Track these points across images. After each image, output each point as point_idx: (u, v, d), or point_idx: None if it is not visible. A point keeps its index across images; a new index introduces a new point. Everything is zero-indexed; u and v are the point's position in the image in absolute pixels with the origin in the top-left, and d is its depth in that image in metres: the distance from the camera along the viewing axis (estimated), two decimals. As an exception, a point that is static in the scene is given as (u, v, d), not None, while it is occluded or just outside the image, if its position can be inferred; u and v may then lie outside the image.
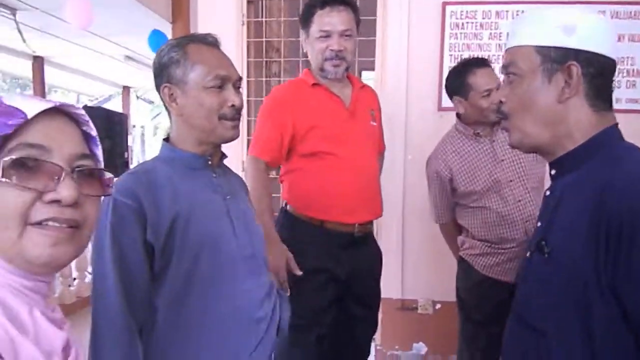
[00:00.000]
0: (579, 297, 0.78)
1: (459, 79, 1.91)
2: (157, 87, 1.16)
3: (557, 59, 0.85)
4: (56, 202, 0.59)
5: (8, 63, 7.00)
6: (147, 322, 1.10)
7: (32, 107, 0.60)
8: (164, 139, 1.21)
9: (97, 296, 1.05)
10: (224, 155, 1.27)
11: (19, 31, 4.93)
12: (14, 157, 0.57)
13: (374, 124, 1.88)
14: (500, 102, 0.94)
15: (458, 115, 2.01)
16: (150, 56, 6.76)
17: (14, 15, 4.78)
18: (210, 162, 1.19)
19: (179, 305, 1.09)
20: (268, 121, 1.75)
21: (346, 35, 1.71)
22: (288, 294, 1.64)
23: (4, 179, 0.56)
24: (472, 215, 1.99)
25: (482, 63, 1.92)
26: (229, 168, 1.31)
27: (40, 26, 5.20)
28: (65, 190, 0.59)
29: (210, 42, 1.17)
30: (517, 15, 2.73)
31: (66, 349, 0.63)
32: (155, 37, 4.60)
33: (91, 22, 3.60)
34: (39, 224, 0.59)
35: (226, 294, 1.12)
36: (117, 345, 1.02)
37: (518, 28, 0.92)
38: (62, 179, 0.60)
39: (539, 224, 0.92)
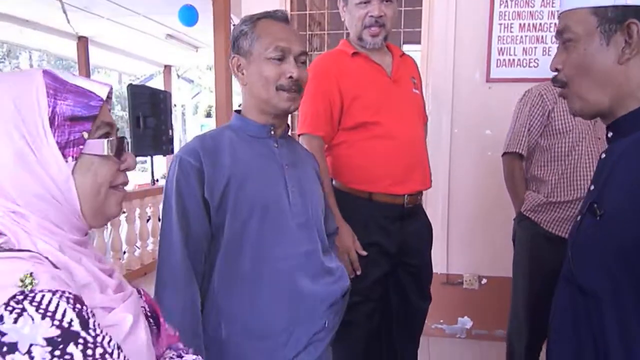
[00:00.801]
0: (631, 259, 0.75)
1: None
2: (231, 59, 1.24)
3: (615, 18, 0.80)
4: (126, 169, 0.74)
5: (53, 44, 7.22)
6: (205, 275, 1.17)
7: (97, 89, 0.70)
8: (235, 110, 1.29)
9: (162, 242, 1.15)
10: (288, 127, 1.31)
11: (64, 11, 5.06)
12: (113, 138, 0.70)
13: (417, 92, 1.83)
14: (557, 69, 0.90)
15: None
16: (190, 34, 6.84)
17: (60, -5, 4.90)
18: (272, 132, 1.24)
19: (232, 263, 1.16)
20: (316, 95, 1.68)
21: (387, 1, 1.66)
22: (359, 272, 1.67)
23: (108, 153, 0.69)
24: (554, 160, 1.93)
25: None
26: (296, 141, 1.36)
27: (85, 6, 5.31)
28: (132, 160, 0.75)
29: (278, 16, 1.22)
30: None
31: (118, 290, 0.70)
32: (186, 11, 4.63)
33: None
34: (116, 187, 0.73)
35: (274, 256, 1.17)
36: (177, 290, 1.11)
37: None
38: (128, 151, 0.75)
39: (592, 187, 0.89)
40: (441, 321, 2.88)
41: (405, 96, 1.76)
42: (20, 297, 0.53)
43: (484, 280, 2.82)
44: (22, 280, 0.54)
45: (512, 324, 2.11)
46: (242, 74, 1.21)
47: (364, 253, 1.65)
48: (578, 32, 0.84)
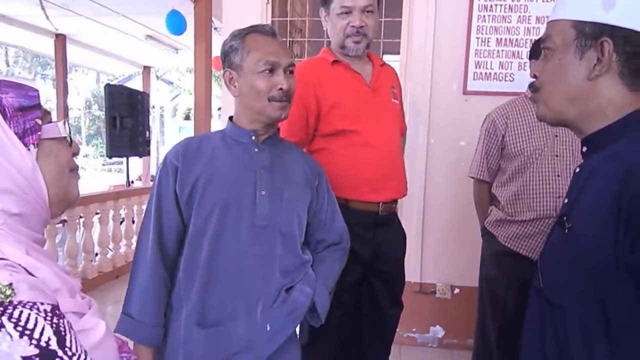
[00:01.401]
0: (596, 274, 0.77)
1: (534, 44, 1.99)
2: (223, 73, 1.33)
3: (591, 34, 0.82)
4: (75, 154, 0.78)
5: (30, 41, 7.08)
6: (176, 261, 1.29)
7: (28, 82, 0.72)
8: (229, 117, 1.37)
9: (141, 228, 1.28)
10: (277, 132, 1.39)
11: (43, 8, 4.97)
12: (64, 120, 0.74)
13: (396, 101, 1.85)
14: (535, 76, 0.93)
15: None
16: (170, 36, 6.77)
17: (38, -8, 4.82)
18: (254, 137, 1.31)
19: (193, 254, 1.26)
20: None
21: (368, 11, 1.67)
22: None
23: (65, 135, 0.73)
24: (509, 181, 2.02)
25: None
26: (289, 147, 1.42)
27: (63, 3, 5.22)
28: (77, 144, 0.79)
29: (266, 31, 1.29)
30: (547, -3, 2.67)
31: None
32: (173, 17, 4.60)
33: None
34: (72, 171, 0.76)
35: (227, 254, 1.24)
36: (145, 268, 1.25)
37: (559, 1, 0.89)
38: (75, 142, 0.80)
39: (565, 200, 0.91)
40: (413, 330, 2.90)
41: (383, 105, 1.78)
42: None
43: (457, 290, 2.86)
44: (1, 291, 0.54)
45: (477, 340, 2.17)
46: (235, 86, 1.29)
47: None
48: (557, 43, 0.86)
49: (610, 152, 0.83)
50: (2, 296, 0.53)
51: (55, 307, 0.57)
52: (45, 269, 0.64)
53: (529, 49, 2.15)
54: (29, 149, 0.66)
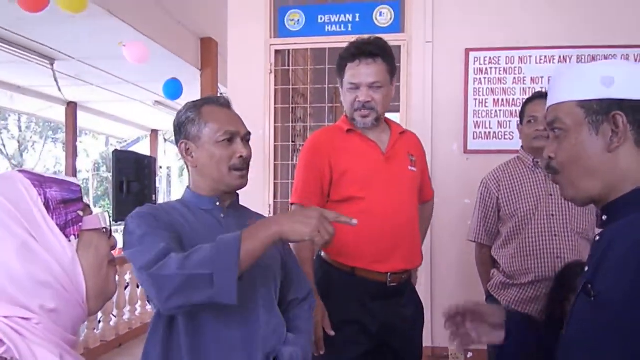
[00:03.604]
0: (624, 344, 0.75)
1: (522, 107, 2.04)
2: (177, 143, 1.32)
3: (600, 110, 0.85)
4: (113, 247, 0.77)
5: (42, 108, 7.32)
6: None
7: (71, 179, 0.74)
8: (187, 187, 1.35)
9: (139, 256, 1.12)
10: (237, 198, 1.38)
11: (56, 80, 5.18)
12: (104, 212, 0.75)
13: (413, 169, 1.82)
14: (550, 157, 0.95)
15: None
16: (178, 101, 7.01)
17: (52, 65, 5.04)
18: (218, 204, 1.30)
19: (171, 338, 1.20)
20: (307, 167, 1.74)
21: (374, 87, 1.70)
22: (322, 352, 1.61)
23: (104, 226, 0.74)
24: (506, 243, 2.01)
25: (541, 95, 1.99)
26: (245, 209, 1.41)
27: (76, 74, 5.46)
28: (115, 238, 0.78)
29: (222, 103, 1.32)
30: (540, 60, 2.76)
31: None
32: (170, 84, 4.79)
33: (147, 57, 3.90)
34: (110, 263, 0.75)
35: (213, 327, 1.19)
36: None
37: (557, 85, 0.92)
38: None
39: (586, 268, 0.90)
40: (427, 397, 2.78)
41: (397, 173, 1.76)
42: None
43: (470, 354, 2.76)
44: None
45: None
46: (192, 157, 1.28)
47: (332, 333, 1.60)
48: (568, 123, 0.89)
49: (631, 219, 0.83)
50: None
51: None
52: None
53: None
54: (69, 240, 0.67)
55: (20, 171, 0.69)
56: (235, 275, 1.02)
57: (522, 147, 2.07)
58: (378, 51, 1.69)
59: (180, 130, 1.28)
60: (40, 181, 0.68)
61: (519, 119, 2.07)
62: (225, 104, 1.33)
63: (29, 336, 0.61)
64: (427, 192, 1.97)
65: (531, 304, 1.90)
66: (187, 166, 1.32)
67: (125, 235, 1.16)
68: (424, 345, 2.66)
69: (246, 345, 1.21)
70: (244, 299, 1.17)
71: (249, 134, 1.32)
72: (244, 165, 1.28)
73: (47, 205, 0.67)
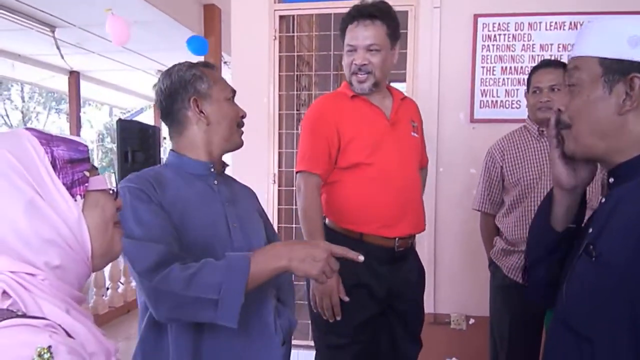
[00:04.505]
0: (627, 303, 0.76)
1: (529, 76, 2.01)
2: (178, 101, 1.23)
3: (619, 70, 0.83)
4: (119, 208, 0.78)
5: (45, 77, 7.27)
6: None
7: (79, 139, 0.74)
8: (171, 149, 1.29)
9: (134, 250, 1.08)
10: (225, 165, 1.35)
11: (58, 47, 5.12)
12: (110, 173, 0.72)
13: (416, 135, 1.83)
14: (559, 110, 0.94)
15: None
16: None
17: (53, 32, 4.97)
18: (212, 170, 1.27)
19: None
20: (313, 134, 1.73)
21: (372, 50, 1.67)
22: (339, 318, 1.64)
23: (110, 187, 0.75)
24: (509, 212, 2.03)
25: (547, 64, 1.97)
26: (231, 178, 1.40)
27: (77, 42, 5.38)
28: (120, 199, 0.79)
29: (211, 65, 1.34)
30: (550, 26, 2.70)
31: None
32: (195, 41, 4.66)
33: (128, 39, 3.78)
34: (115, 224, 0.76)
35: None
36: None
37: (583, 37, 0.90)
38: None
39: (590, 230, 0.90)
40: (429, 362, 2.83)
41: (402, 139, 1.77)
42: None
43: (472, 320, 2.80)
44: (39, 355, 0.53)
45: None
46: (203, 113, 1.23)
47: (346, 299, 1.62)
48: (583, 78, 0.87)
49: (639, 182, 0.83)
50: (39, 359, 0.52)
51: None
52: (83, 330, 0.63)
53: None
54: (75, 200, 0.67)
55: (27, 129, 0.68)
56: (240, 302, 1.01)
57: (528, 116, 2.06)
58: (377, 13, 1.66)
59: (187, 87, 1.22)
60: (47, 139, 0.68)
61: (526, 87, 2.05)
62: (213, 67, 1.35)
63: (35, 291, 0.62)
64: (424, 159, 1.99)
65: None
66: (178, 128, 1.25)
67: None
68: (426, 311, 2.70)
69: (258, 317, 1.21)
70: None
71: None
72: (242, 124, 1.32)
73: (53, 163, 0.67)
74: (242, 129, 1.31)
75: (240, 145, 1.31)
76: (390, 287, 1.71)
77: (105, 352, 0.66)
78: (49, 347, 0.53)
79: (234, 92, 1.29)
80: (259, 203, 1.44)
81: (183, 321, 1.09)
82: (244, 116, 1.30)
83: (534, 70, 1.98)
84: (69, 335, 0.59)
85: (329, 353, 1.74)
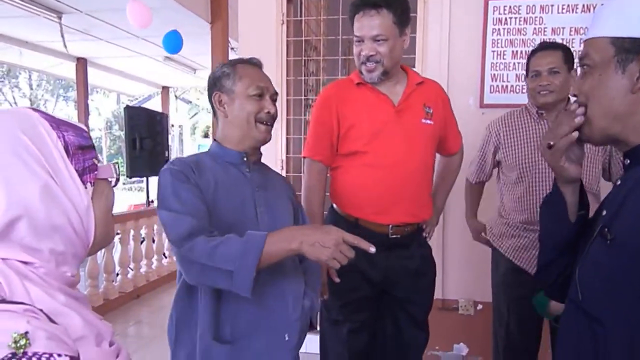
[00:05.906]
0: None
1: (527, 60, 1.99)
2: (210, 96, 1.41)
3: (631, 49, 0.82)
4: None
5: (52, 65, 7.29)
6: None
7: (80, 125, 0.74)
8: (214, 139, 1.44)
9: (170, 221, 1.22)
10: (261, 155, 1.46)
11: (62, 34, 5.11)
12: (114, 162, 0.77)
13: (428, 122, 1.77)
14: (574, 95, 0.92)
15: None
16: (188, 57, 6.90)
17: (60, 18, 4.97)
18: (245, 159, 1.38)
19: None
20: (316, 122, 1.78)
21: (379, 40, 1.64)
22: (326, 297, 1.73)
23: (115, 177, 0.75)
24: (511, 189, 2.04)
25: (545, 46, 1.94)
26: (266, 166, 1.51)
27: (84, 28, 5.38)
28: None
29: (255, 62, 1.42)
30: (563, 9, 2.65)
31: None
32: (170, 38, 4.67)
33: (150, 21, 3.81)
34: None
35: None
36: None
37: (596, 20, 0.89)
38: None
39: (604, 212, 0.89)
40: (437, 347, 2.84)
41: (408, 126, 1.73)
42: None
43: (480, 306, 2.80)
44: (15, 341, 0.50)
45: (494, 355, 2.21)
46: (224, 108, 1.37)
47: (337, 280, 1.66)
48: (595, 60, 0.86)
49: None
50: (15, 346, 0.50)
51: (74, 358, 0.54)
52: (71, 315, 0.62)
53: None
54: (86, 187, 0.68)
55: (34, 109, 0.67)
56: (252, 275, 1.12)
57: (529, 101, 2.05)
58: (382, 2, 1.62)
59: (215, 83, 1.38)
60: (56, 123, 0.67)
61: (525, 72, 2.02)
62: (258, 64, 1.42)
63: (29, 275, 0.61)
64: (452, 144, 1.94)
65: (525, 252, 1.98)
66: (217, 119, 1.41)
67: (159, 189, 1.26)
68: (435, 297, 2.70)
69: (278, 292, 1.32)
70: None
71: (276, 94, 1.41)
72: (270, 120, 1.37)
73: (66, 149, 0.66)
74: (268, 125, 1.37)
75: (260, 140, 1.38)
76: (385, 273, 1.74)
77: (97, 334, 0.65)
78: (26, 332, 0.51)
79: (261, 88, 1.35)
80: (293, 191, 1.54)
81: (207, 285, 1.22)
82: (269, 112, 1.36)
83: (532, 53, 1.95)
84: (52, 321, 0.56)
85: (329, 327, 1.83)
